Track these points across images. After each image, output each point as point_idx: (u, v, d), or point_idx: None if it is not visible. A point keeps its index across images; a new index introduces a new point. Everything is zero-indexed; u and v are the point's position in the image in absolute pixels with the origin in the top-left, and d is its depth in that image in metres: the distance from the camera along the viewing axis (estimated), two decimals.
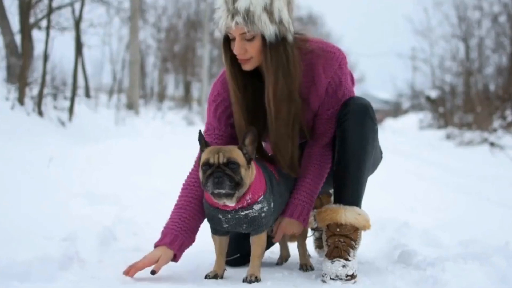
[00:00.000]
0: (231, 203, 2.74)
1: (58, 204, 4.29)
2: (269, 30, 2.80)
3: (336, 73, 3.01)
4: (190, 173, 3.09)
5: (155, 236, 4.03)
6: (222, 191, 2.67)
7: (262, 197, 2.79)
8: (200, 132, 2.83)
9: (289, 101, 2.91)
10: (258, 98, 2.98)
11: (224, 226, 2.84)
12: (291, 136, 2.97)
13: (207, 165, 2.68)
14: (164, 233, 2.96)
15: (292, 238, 3.29)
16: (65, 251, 2.95)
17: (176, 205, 3.04)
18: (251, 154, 2.74)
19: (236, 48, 2.85)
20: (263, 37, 2.83)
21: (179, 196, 3.05)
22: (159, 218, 4.54)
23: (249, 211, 2.77)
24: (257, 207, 2.78)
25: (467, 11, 26.59)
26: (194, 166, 3.09)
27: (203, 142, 2.81)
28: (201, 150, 2.80)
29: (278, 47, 2.85)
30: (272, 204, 2.86)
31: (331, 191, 3.58)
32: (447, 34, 28.23)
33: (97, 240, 3.50)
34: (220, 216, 2.80)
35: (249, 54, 2.87)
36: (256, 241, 2.86)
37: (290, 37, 2.88)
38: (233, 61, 2.94)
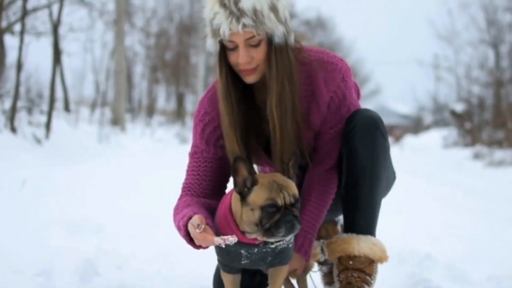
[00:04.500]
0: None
1: (32, 233, 4.28)
2: (280, 31, 2.78)
3: (340, 87, 2.97)
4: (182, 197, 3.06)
5: (142, 269, 4.04)
6: (292, 238, 2.64)
7: None
8: (242, 160, 2.59)
9: (293, 114, 2.88)
10: (251, 119, 2.97)
11: (243, 262, 2.73)
12: None
13: (274, 207, 2.53)
14: (181, 218, 2.79)
15: (292, 273, 3.25)
16: None
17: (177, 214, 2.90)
18: (293, 178, 2.67)
19: (242, 56, 2.78)
20: (268, 41, 2.80)
21: (179, 208, 2.92)
22: (147, 250, 4.55)
23: (279, 242, 2.67)
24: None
25: (497, 14, 26.66)
26: (184, 191, 3.07)
27: (249, 173, 2.59)
28: (246, 185, 2.59)
29: (282, 51, 2.83)
30: None
31: (337, 218, 3.57)
32: (474, 39, 28.30)
33: (76, 274, 3.49)
34: (242, 251, 2.69)
35: (255, 62, 2.81)
36: (279, 273, 2.78)
37: (292, 40, 2.87)
38: (228, 76, 2.89)
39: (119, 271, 3.98)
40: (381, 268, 3.10)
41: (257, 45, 2.78)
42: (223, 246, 2.52)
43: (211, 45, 2.85)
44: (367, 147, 2.96)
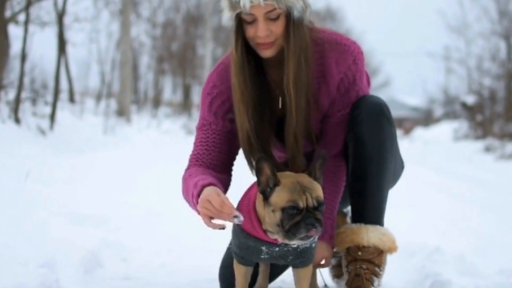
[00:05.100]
0: None
1: (35, 224, 4.27)
2: (299, 5, 2.79)
3: (350, 68, 2.96)
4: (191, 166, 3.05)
5: (146, 261, 4.03)
6: (315, 238, 2.60)
7: None
8: (265, 159, 2.56)
9: (306, 93, 2.88)
10: (261, 97, 2.95)
11: (262, 257, 2.69)
12: (304, 137, 2.94)
13: (295, 209, 2.48)
14: (196, 187, 2.77)
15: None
16: (43, 280, 2.93)
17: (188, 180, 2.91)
18: (319, 180, 2.63)
19: (261, 30, 2.78)
20: (287, 15, 2.80)
21: (188, 176, 2.93)
22: (152, 242, 4.55)
23: (302, 241, 2.60)
24: None
25: (509, 5, 26.53)
26: (192, 161, 3.06)
27: (272, 173, 2.55)
28: (269, 185, 2.55)
29: (300, 27, 2.83)
30: None
31: (346, 210, 3.55)
32: (486, 31, 28.17)
33: (80, 266, 3.48)
34: (263, 248, 2.65)
35: (274, 36, 2.81)
36: (304, 276, 2.74)
37: (308, 16, 2.87)
38: (243, 50, 2.88)
39: (124, 263, 3.97)
40: (390, 261, 3.08)
41: (276, 19, 2.79)
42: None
43: (228, 19, 2.86)
44: (373, 135, 2.94)
